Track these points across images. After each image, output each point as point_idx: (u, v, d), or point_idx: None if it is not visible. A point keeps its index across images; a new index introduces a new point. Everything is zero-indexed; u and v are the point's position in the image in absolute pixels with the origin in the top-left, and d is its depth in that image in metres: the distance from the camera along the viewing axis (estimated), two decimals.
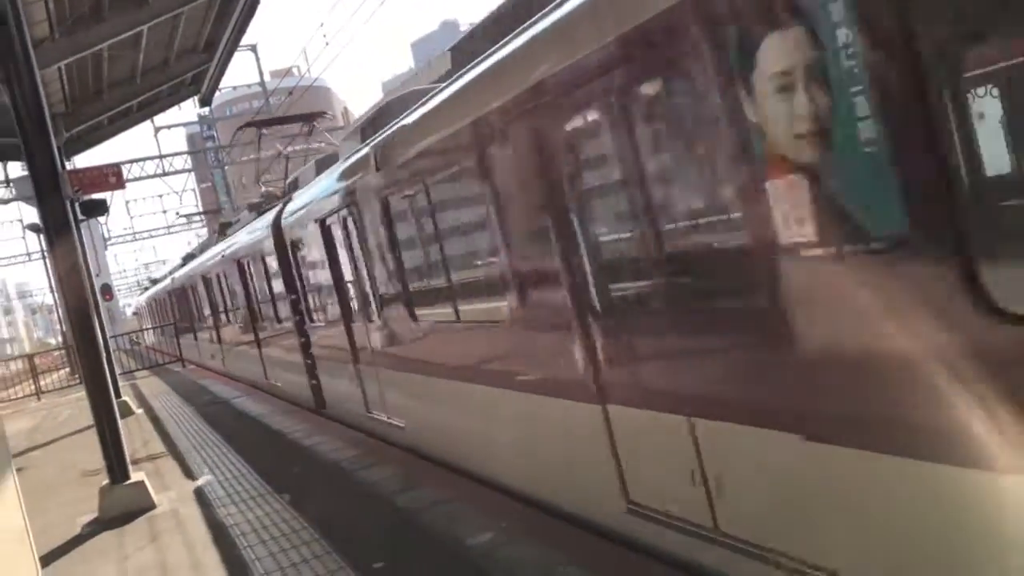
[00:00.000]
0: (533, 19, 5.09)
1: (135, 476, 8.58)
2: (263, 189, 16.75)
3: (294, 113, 17.48)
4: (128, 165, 34.40)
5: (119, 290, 75.02)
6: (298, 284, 11.98)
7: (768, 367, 3.49)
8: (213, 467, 9.82)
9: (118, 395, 13.94)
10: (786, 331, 3.32)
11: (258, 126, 16.98)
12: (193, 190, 48.62)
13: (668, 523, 4.35)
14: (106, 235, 45.70)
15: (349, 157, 8.97)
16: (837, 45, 2.88)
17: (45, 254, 34.33)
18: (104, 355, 8.98)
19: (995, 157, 2.83)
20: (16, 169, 28.42)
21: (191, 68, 17.94)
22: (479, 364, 6.54)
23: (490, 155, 5.59)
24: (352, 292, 9.51)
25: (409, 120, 7.18)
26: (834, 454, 3.19)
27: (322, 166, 11.38)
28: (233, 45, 16.51)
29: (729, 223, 3.69)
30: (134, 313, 66.20)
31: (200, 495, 8.52)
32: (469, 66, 6.06)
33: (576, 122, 4.61)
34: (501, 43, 5.55)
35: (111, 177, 15.25)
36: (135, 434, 13.15)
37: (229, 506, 7.84)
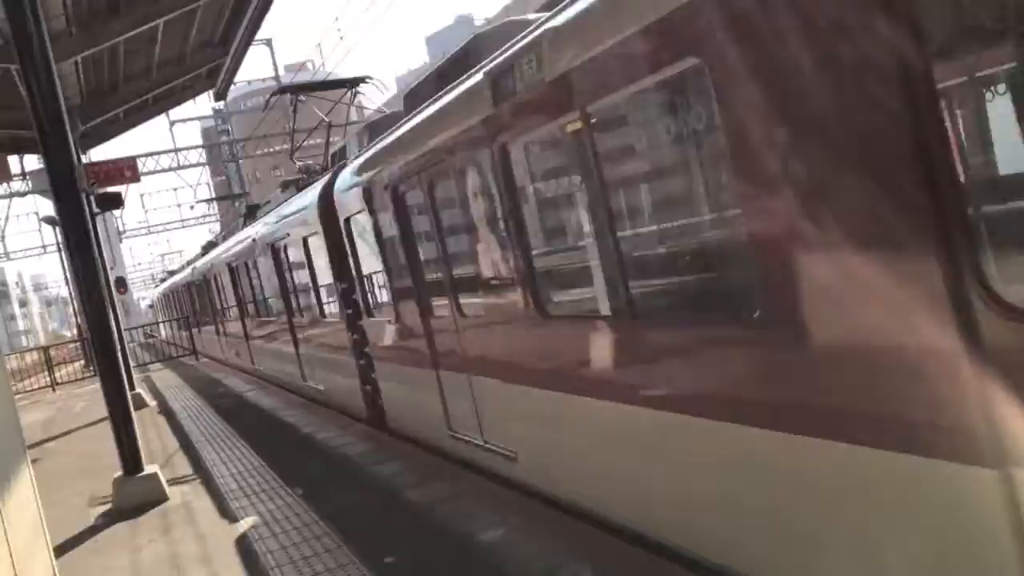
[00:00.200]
0: None
1: (148, 468, 8.63)
2: (298, 165, 14.34)
3: (336, 80, 14.67)
4: (143, 159, 34.56)
5: (133, 283, 75.58)
6: (352, 269, 9.71)
7: None
8: (225, 460, 9.86)
9: (132, 388, 14.02)
10: None
11: (294, 92, 14.18)
12: (207, 184, 48.81)
13: None
14: (121, 228, 46.00)
15: (439, 100, 6.77)
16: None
17: (60, 247, 34.54)
18: (118, 348, 9.03)
19: None
20: (32, 162, 28.63)
21: (206, 62, 18.04)
22: (661, 381, 4.50)
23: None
24: (437, 277, 7.29)
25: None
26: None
27: (377, 131, 9.43)
28: (248, 39, 16.58)
29: None
30: (149, 306, 66.15)
31: (213, 488, 8.56)
32: None
33: None
34: None
35: (126, 171, 15.35)
36: (149, 426, 13.22)
37: (241, 499, 7.88)
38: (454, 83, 6.45)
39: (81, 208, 8.71)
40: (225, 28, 16.47)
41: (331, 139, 14.63)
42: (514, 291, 5.88)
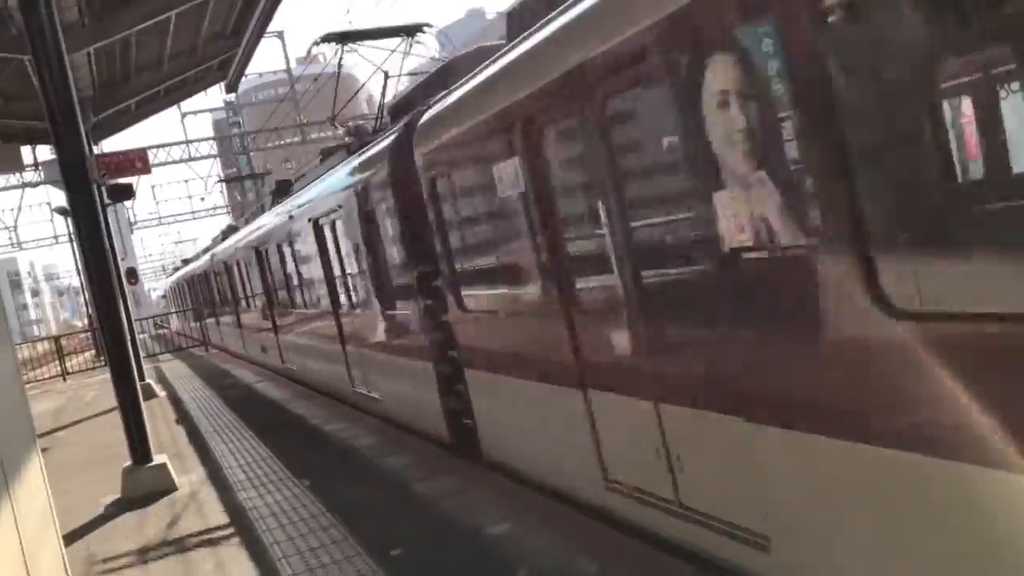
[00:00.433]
0: None
1: (157, 458, 8.67)
2: (340, 132, 12.44)
3: (390, 27, 12.81)
4: (154, 150, 34.66)
5: (144, 274, 75.83)
6: (438, 245, 7.16)
7: None
8: (234, 451, 9.90)
9: (142, 378, 14.11)
10: None
11: (341, 40, 12.21)
12: (218, 175, 48.93)
13: None
14: (132, 219, 46.15)
15: None
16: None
17: (72, 237, 34.70)
18: (128, 338, 9.08)
19: None
20: (45, 153, 28.75)
21: (218, 54, 18.06)
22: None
23: None
24: (600, 251, 4.81)
25: None
26: None
27: (459, 73, 7.29)
28: (260, 31, 16.58)
29: None
30: (162, 296, 65.78)
31: (221, 478, 8.60)
32: None
33: None
34: None
35: (137, 162, 15.44)
36: (158, 417, 13.29)
37: (249, 490, 7.91)
38: None
39: (92, 199, 8.76)
40: (237, 20, 16.48)
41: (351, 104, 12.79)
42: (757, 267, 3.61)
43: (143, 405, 8.85)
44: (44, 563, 5.55)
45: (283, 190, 15.96)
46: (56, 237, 44.16)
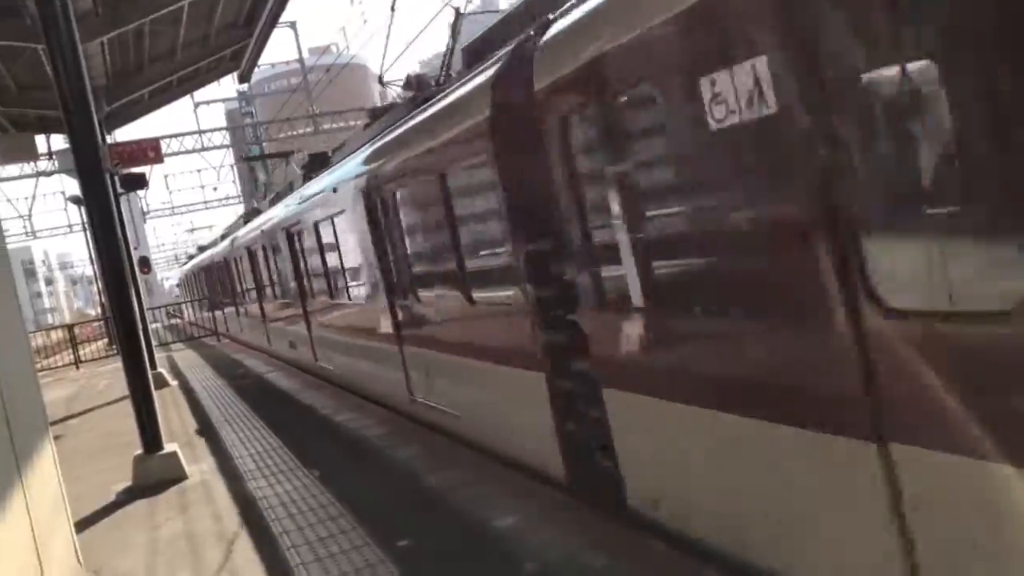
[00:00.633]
0: None
1: (168, 447, 8.72)
2: (393, 94, 10.79)
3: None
4: (167, 140, 34.78)
5: (156, 263, 76.19)
6: (574, 219, 5.08)
7: None
8: (244, 440, 9.95)
9: (153, 367, 14.19)
10: None
11: None
12: (231, 166, 49.09)
13: None
14: (145, 209, 46.36)
15: None
16: None
17: (86, 226, 34.86)
18: (140, 328, 9.12)
19: None
20: (59, 142, 28.88)
21: (231, 44, 18.10)
22: None
23: None
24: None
25: None
26: None
27: None
28: (273, 21, 16.62)
29: None
30: (176, 285, 65.49)
31: (231, 467, 8.64)
32: None
33: None
34: None
35: (150, 151, 15.50)
36: (169, 405, 13.37)
37: (259, 479, 7.95)
38: None
39: (105, 188, 8.79)
40: (250, 9, 16.50)
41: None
42: None
43: (154, 394, 8.90)
44: (55, 549, 5.60)
45: (319, 163, 13.97)
46: (70, 226, 44.42)
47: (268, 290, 17.95)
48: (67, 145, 12.48)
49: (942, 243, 2.87)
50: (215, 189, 46.14)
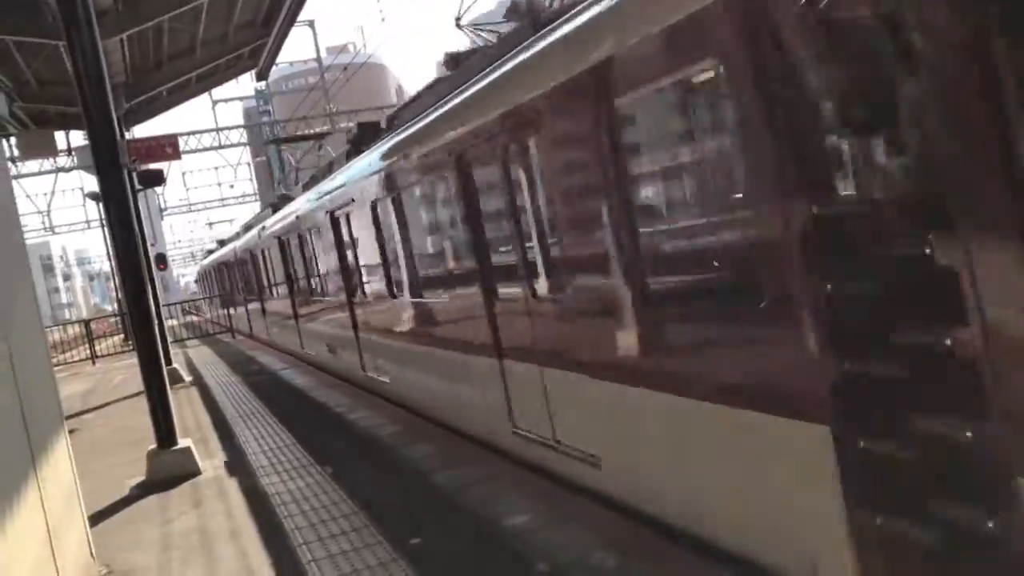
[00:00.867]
0: None
1: (182, 442, 8.76)
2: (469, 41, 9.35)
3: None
4: (185, 137, 34.96)
5: (173, 260, 76.66)
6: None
7: None
8: (257, 437, 9.98)
9: (168, 363, 14.26)
10: None
11: None
12: (248, 164, 49.35)
13: None
14: (162, 205, 46.67)
15: None
16: None
17: (103, 222, 35.08)
18: (156, 324, 9.16)
19: None
20: (78, 138, 29.08)
21: (249, 42, 18.18)
22: None
23: None
24: None
25: None
26: None
27: None
28: (291, 20, 16.68)
29: None
30: (196, 281, 64.88)
31: (244, 464, 8.67)
32: None
33: None
34: None
35: (168, 148, 15.57)
36: (183, 401, 13.43)
37: (272, 475, 7.97)
38: None
39: (123, 184, 8.84)
40: (268, 8, 16.57)
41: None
42: None
43: (169, 389, 8.94)
44: (69, 542, 5.62)
45: (369, 136, 11.15)
46: (88, 222, 44.82)
47: (302, 283, 15.37)
48: (86, 141, 12.57)
49: None
50: (232, 186, 46.40)
